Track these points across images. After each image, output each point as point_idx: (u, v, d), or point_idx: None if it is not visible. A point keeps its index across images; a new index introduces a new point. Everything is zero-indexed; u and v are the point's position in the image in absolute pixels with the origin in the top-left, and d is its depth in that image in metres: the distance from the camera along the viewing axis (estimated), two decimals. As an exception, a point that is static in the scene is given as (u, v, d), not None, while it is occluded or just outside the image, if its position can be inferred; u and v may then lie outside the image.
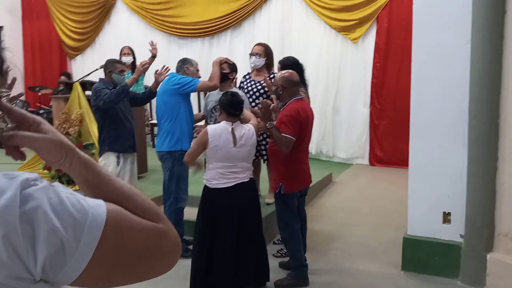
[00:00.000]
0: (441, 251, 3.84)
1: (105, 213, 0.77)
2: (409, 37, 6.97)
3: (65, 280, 0.75)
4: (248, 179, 3.56)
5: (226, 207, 3.48)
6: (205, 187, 3.59)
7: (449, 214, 3.83)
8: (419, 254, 3.93)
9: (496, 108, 3.50)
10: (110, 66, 4.59)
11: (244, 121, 3.68)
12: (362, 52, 7.60)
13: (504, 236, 3.52)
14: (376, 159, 7.63)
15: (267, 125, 3.57)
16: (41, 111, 8.54)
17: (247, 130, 3.57)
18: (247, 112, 3.93)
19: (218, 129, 3.51)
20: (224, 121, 3.52)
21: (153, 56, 6.65)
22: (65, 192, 0.76)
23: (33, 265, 0.70)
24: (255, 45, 4.99)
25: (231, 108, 3.51)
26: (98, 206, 0.77)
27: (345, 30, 7.57)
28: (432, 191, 3.85)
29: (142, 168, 6.30)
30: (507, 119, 3.46)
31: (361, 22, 7.45)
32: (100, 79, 4.65)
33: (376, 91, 7.55)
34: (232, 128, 3.49)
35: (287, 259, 4.02)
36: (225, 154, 3.47)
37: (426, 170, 3.86)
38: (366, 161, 7.72)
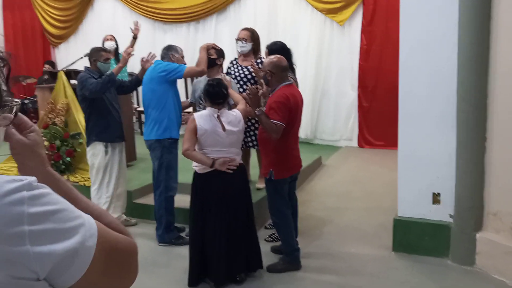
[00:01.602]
0: (431, 232, 3.88)
1: (95, 224, 0.79)
2: (395, 18, 7.01)
3: (62, 285, 0.76)
4: (238, 164, 3.56)
5: (217, 192, 3.48)
6: (195, 174, 3.59)
7: (438, 195, 3.86)
8: (410, 236, 3.96)
9: (484, 90, 3.52)
10: (95, 54, 4.52)
11: (234, 102, 3.68)
12: (349, 35, 7.59)
13: (493, 215, 3.57)
14: (365, 141, 7.66)
15: (256, 111, 3.55)
16: (26, 101, 8.42)
17: (234, 116, 3.56)
18: (236, 95, 3.91)
19: (205, 115, 3.51)
20: (209, 108, 3.51)
21: (134, 38, 6.58)
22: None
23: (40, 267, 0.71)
24: (241, 30, 4.94)
25: (211, 98, 3.50)
26: (88, 218, 0.80)
27: (331, 12, 7.54)
28: (422, 173, 3.88)
29: (131, 156, 6.25)
30: (495, 101, 3.48)
31: (347, 4, 7.42)
32: (86, 68, 4.58)
33: (364, 73, 7.56)
34: (218, 115, 3.48)
35: (279, 243, 4.04)
36: (214, 139, 3.46)
37: (416, 153, 3.88)
38: (355, 143, 7.75)
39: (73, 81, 6.09)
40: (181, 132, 4.37)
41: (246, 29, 4.94)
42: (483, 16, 3.47)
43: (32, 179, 0.74)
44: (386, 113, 7.11)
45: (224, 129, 3.46)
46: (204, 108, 4.35)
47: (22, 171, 0.90)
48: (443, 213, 3.84)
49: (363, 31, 7.47)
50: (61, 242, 0.72)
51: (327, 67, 7.73)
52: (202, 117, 3.49)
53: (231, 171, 3.48)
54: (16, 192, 0.71)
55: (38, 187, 0.74)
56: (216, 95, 3.49)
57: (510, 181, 3.46)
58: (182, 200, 4.81)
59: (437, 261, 3.80)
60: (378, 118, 7.44)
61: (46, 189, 0.75)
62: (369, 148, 7.57)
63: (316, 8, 7.60)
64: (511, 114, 3.42)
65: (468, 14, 3.50)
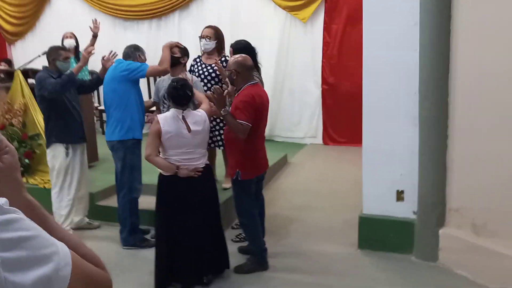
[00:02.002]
0: (395, 229, 3.94)
1: (69, 253, 0.75)
2: (358, 16, 7.08)
3: None
4: (204, 165, 3.52)
5: (183, 194, 3.44)
6: (160, 175, 3.53)
7: (402, 192, 3.92)
8: (375, 232, 4.01)
9: (445, 88, 3.58)
10: (53, 53, 4.37)
11: (198, 102, 3.63)
12: (312, 32, 7.60)
13: (455, 211, 3.65)
14: (329, 138, 7.71)
15: (222, 111, 3.51)
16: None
17: (199, 116, 3.51)
18: (199, 94, 3.86)
19: (169, 117, 3.44)
20: (173, 109, 3.45)
21: (94, 36, 6.42)
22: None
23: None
24: (204, 28, 4.88)
25: (176, 100, 3.44)
26: (63, 246, 0.76)
27: (294, 9, 7.53)
28: (385, 170, 3.93)
29: (93, 157, 6.10)
30: (456, 98, 3.55)
31: (310, 1, 7.42)
32: (44, 68, 4.42)
33: (327, 70, 7.59)
34: (183, 116, 3.42)
35: (246, 243, 4.02)
36: (180, 141, 3.41)
37: (379, 150, 3.93)
38: (319, 140, 7.79)
39: (31, 80, 5.89)
40: (144, 131, 4.29)
41: (209, 27, 4.88)
42: (443, 16, 3.53)
43: (3, 201, 0.69)
44: (350, 110, 7.17)
45: (189, 130, 3.41)
46: (169, 108, 4.29)
47: None
48: (407, 209, 3.90)
49: (325, 29, 7.50)
50: (34, 270, 0.68)
51: (290, 65, 7.73)
52: (166, 120, 3.42)
53: (196, 175, 3.44)
54: None
55: (9, 211, 0.69)
56: (180, 98, 3.42)
57: (471, 177, 3.54)
58: (147, 202, 4.72)
59: (402, 257, 3.86)
60: (341, 115, 7.49)
61: (18, 214, 0.70)
62: (334, 145, 7.63)
63: (279, 6, 7.59)
64: (471, 112, 3.50)
65: (429, 13, 3.56)
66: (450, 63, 3.55)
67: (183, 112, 3.43)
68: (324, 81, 7.62)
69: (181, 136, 3.39)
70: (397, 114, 3.83)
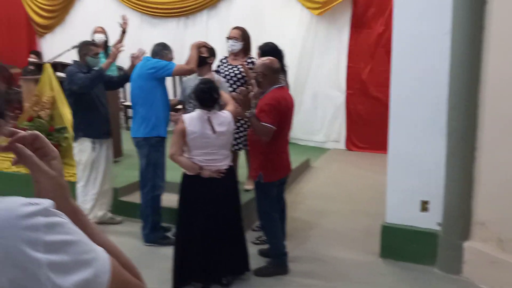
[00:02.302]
0: (418, 239, 3.89)
1: (109, 260, 0.75)
2: (386, 23, 7.01)
3: None
4: (227, 167, 3.52)
5: (205, 195, 3.44)
6: (184, 175, 3.54)
7: (427, 202, 3.86)
8: (397, 242, 3.97)
9: (475, 99, 3.52)
10: (84, 48, 4.43)
11: (223, 103, 3.63)
12: (338, 36, 7.53)
13: (481, 225, 3.58)
14: (352, 143, 7.65)
15: (246, 113, 3.52)
16: (10, 91, 8.25)
17: (224, 117, 3.51)
18: (225, 95, 3.86)
19: (195, 118, 3.44)
20: (199, 110, 3.46)
21: (123, 32, 6.50)
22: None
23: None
24: (232, 29, 4.89)
25: (202, 102, 3.44)
26: (103, 253, 0.76)
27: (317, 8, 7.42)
28: (411, 179, 3.88)
29: (117, 152, 6.16)
30: (485, 110, 3.49)
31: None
32: (74, 62, 4.48)
33: (352, 75, 7.52)
34: (209, 117, 3.42)
35: (266, 246, 4.01)
36: (204, 142, 3.41)
37: (405, 159, 3.88)
38: (342, 145, 7.73)
39: (60, 74, 5.98)
40: (169, 129, 4.32)
41: (237, 28, 4.89)
42: (475, 26, 3.47)
43: (49, 203, 0.71)
44: (374, 116, 7.13)
45: (214, 131, 3.41)
46: (194, 107, 4.31)
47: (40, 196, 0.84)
48: (431, 220, 3.84)
49: (352, 33, 7.43)
50: (74, 274, 0.68)
51: (314, 68, 7.68)
52: (192, 120, 3.43)
53: (219, 176, 3.44)
54: (31, 216, 0.67)
55: (55, 213, 0.71)
56: (206, 100, 3.43)
57: (498, 191, 3.47)
58: (169, 199, 4.76)
59: (424, 269, 3.81)
60: (365, 120, 7.44)
61: (63, 218, 0.72)
62: (356, 151, 7.56)
63: (304, 6, 7.49)
64: (501, 124, 3.43)
65: (460, 22, 3.50)
66: (481, 74, 3.49)
67: (208, 113, 3.44)
68: (348, 85, 7.56)
69: (205, 136, 3.40)
70: (424, 123, 3.78)
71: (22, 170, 5.63)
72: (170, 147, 3.48)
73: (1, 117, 0.80)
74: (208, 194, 3.45)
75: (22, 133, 0.84)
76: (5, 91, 0.82)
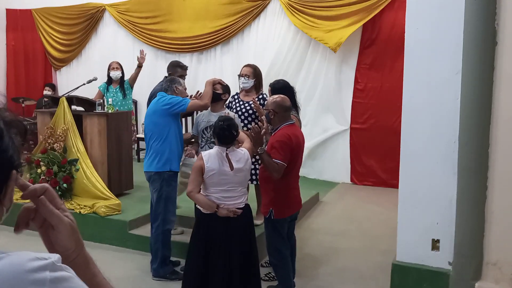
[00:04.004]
0: (429, 278, 3.83)
1: None
2: (392, 58, 7.09)
3: None
4: (244, 205, 3.52)
5: (221, 233, 3.43)
6: (199, 213, 3.54)
7: (438, 241, 3.83)
8: (408, 281, 3.91)
9: (486, 138, 3.54)
10: (171, 69, 5.20)
11: (239, 141, 3.66)
12: (344, 70, 7.60)
13: (493, 265, 3.54)
14: (358, 178, 7.64)
15: (258, 150, 3.55)
16: (24, 122, 8.39)
17: (242, 154, 3.53)
18: (241, 133, 3.90)
19: (213, 154, 3.46)
20: (217, 147, 3.49)
21: (139, 66, 6.66)
22: None
23: None
24: (243, 67, 4.98)
25: (221, 139, 3.47)
26: None
27: (324, 39, 7.48)
28: (422, 217, 3.85)
29: (128, 184, 6.22)
30: (497, 149, 3.50)
31: (342, 28, 7.37)
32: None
33: (357, 110, 7.57)
34: (227, 153, 3.45)
35: (275, 283, 3.99)
36: (222, 179, 3.42)
37: (416, 197, 3.87)
38: (348, 179, 7.72)
39: (74, 107, 6.10)
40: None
41: (248, 65, 4.98)
42: (486, 65, 3.52)
43: (56, 258, 0.74)
44: (380, 151, 7.14)
45: (232, 167, 3.43)
46: (207, 141, 4.37)
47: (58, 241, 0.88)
48: (442, 259, 3.80)
49: (358, 69, 7.49)
50: None
51: (325, 102, 7.73)
52: (210, 157, 3.44)
53: (235, 215, 3.44)
54: (38, 271, 0.70)
55: (61, 268, 0.73)
56: (226, 137, 3.46)
57: (510, 230, 3.45)
58: (178, 234, 4.78)
59: (436, 309, 3.75)
60: (370, 155, 7.45)
61: (69, 272, 0.74)
62: (363, 185, 7.54)
63: (311, 36, 7.59)
64: (512, 163, 3.44)
65: (471, 62, 3.55)
66: (492, 113, 3.51)
67: (227, 150, 3.47)
68: (354, 120, 7.60)
69: (223, 173, 3.41)
70: (435, 161, 3.78)
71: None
72: (188, 184, 3.50)
73: (16, 169, 0.84)
74: (222, 233, 3.43)
75: (33, 186, 0.88)
76: (20, 144, 0.86)
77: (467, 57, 3.55)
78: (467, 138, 3.59)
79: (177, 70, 5.19)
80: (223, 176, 3.41)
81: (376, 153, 7.31)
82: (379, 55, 7.32)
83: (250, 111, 4.79)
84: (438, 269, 3.80)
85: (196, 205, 3.64)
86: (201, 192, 3.47)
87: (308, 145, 7.45)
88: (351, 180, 7.69)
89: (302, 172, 7.51)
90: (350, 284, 4.22)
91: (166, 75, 5.21)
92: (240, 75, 4.90)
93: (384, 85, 7.24)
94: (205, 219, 3.47)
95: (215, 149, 3.49)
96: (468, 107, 3.58)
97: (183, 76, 5.12)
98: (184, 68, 5.42)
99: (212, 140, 4.34)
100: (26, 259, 0.71)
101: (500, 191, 3.50)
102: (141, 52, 6.69)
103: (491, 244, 3.55)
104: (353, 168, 7.68)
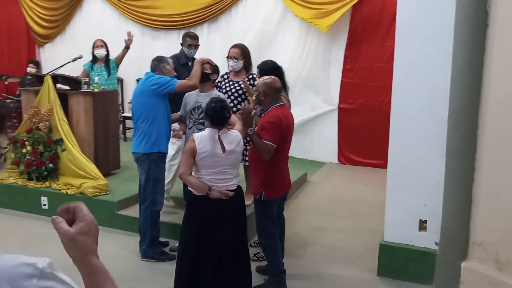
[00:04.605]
0: (416, 258, 3.90)
1: None
2: (382, 38, 7.07)
3: None
4: (236, 187, 3.51)
5: (213, 215, 3.42)
6: (192, 195, 3.52)
7: (425, 222, 3.88)
8: (395, 261, 3.98)
9: (475, 121, 3.55)
10: (182, 39, 5.21)
11: (230, 123, 3.62)
12: (333, 50, 7.57)
13: (478, 245, 3.60)
14: (346, 158, 7.68)
15: (248, 131, 3.53)
16: (8, 100, 8.25)
17: (235, 136, 3.50)
18: (233, 115, 3.86)
19: (205, 137, 3.42)
20: (209, 129, 3.45)
21: (127, 47, 6.56)
22: None
23: None
24: (231, 48, 4.87)
25: (213, 121, 3.43)
26: None
27: (315, 19, 7.40)
28: (409, 199, 3.90)
29: (115, 164, 6.17)
30: (485, 132, 3.52)
31: (331, 11, 7.30)
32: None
33: (346, 89, 7.55)
34: (219, 135, 3.42)
35: (264, 263, 4.02)
36: (214, 161, 3.39)
37: (404, 178, 3.91)
38: (336, 159, 7.75)
39: (60, 86, 6.00)
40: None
41: (236, 46, 4.88)
42: (477, 48, 3.51)
43: (46, 264, 0.71)
44: (369, 131, 7.16)
45: (224, 149, 3.41)
46: (194, 122, 4.33)
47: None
48: (429, 240, 3.86)
49: (347, 48, 7.46)
50: None
51: (314, 81, 7.70)
52: (202, 139, 3.41)
53: (227, 197, 3.43)
54: (25, 279, 0.69)
55: (51, 276, 0.72)
56: (218, 119, 3.42)
57: (496, 212, 3.49)
58: (166, 214, 4.78)
59: (422, 288, 3.82)
60: (361, 135, 7.46)
61: (58, 282, 0.72)
62: (351, 165, 7.58)
63: (300, 17, 7.49)
64: (500, 146, 3.46)
65: (462, 45, 3.54)
66: (481, 96, 3.52)
67: (219, 132, 3.45)
68: (342, 100, 7.60)
69: (215, 156, 3.38)
70: (424, 143, 3.81)
71: (19, 181, 5.62)
72: (180, 166, 3.47)
73: None
74: (215, 215, 3.42)
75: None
76: None
77: (458, 39, 3.54)
78: (456, 120, 3.61)
79: (186, 40, 5.10)
80: (215, 158, 3.38)
81: (364, 133, 7.34)
82: (369, 34, 7.28)
83: (240, 91, 4.75)
84: (425, 249, 3.87)
85: (187, 187, 3.62)
86: (193, 174, 3.45)
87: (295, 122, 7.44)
88: (339, 160, 7.73)
89: (290, 151, 7.57)
90: (337, 263, 4.27)
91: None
92: (228, 57, 4.82)
93: (374, 65, 7.23)
94: (197, 201, 3.46)
95: (207, 130, 3.45)
96: (458, 90, 3.58)
97: (192, 46, 5.08)
98: (193, 37, 5.18)
99: (200, 121, 4.31)
100: (14, 264, 0.69)
101: (487, 173, 3.53)
102: (129, 33, 6.58)
103: (477, 225, 3.60)
104: (341, 148, 7.71)
